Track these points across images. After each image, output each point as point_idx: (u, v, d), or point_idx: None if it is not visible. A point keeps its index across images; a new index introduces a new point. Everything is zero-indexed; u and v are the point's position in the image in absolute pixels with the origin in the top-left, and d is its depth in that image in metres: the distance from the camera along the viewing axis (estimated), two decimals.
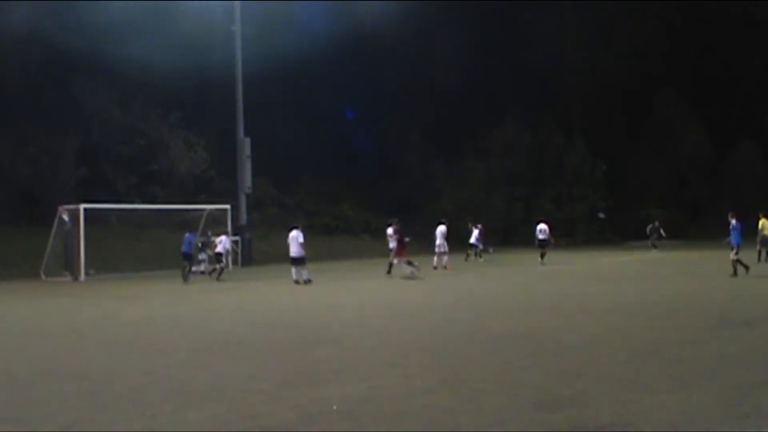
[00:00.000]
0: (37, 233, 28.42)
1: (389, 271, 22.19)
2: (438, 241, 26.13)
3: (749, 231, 27.25)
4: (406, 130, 48.99)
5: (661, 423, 5.65)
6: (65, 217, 26.64)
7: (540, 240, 28.07)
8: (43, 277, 25.84)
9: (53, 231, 26.80)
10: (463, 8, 49.45)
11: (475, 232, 31.02)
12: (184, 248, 23.42)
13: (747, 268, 19.46)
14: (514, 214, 48.49)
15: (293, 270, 20.89)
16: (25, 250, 27.75)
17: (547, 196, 49.90)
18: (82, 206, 25.91)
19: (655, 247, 35.80)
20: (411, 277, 21.04)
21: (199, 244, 26.07)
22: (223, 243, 25.16)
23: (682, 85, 53.64)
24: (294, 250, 20.77)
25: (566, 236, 45.52)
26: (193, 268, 25.55)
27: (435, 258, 25.98)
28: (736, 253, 19.70)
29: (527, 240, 45.23)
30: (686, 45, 54.67)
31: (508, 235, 46.65)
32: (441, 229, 26.46)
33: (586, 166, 51.26)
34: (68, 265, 26.36)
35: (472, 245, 31.01)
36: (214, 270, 24.57)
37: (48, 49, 33.69)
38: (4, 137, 33.58)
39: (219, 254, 24.81)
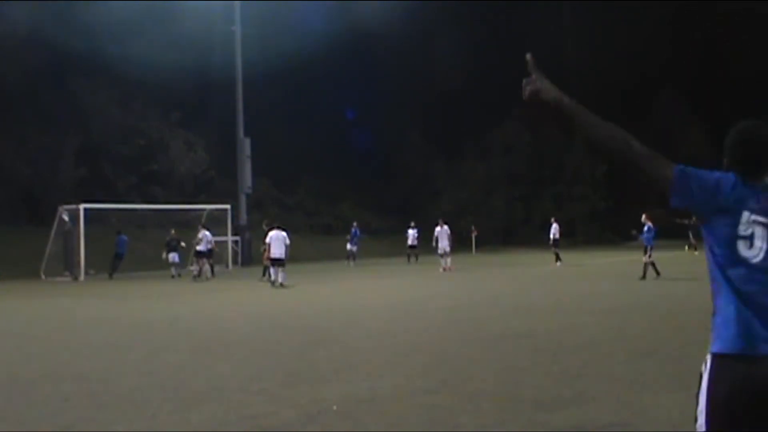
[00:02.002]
0: (37, 233, 28.43)
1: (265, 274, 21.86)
2: (442, 242, 26.08)
3: None
4: (406, 130, 49.03)
5: (661, 423, 5.65)
6: (65, 217, 26.65)
7: (555, 240, 27.75)
8: (43, 277, 25.84)
9: (53, 231, 26.82)
10: (463, 8, 49.46)
11: (413, 233, 31.26)
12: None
13: (658, 273, 19.28)
14: (514, 214, 48.50)
15: (272, 271, 20.09)
16: (25, 250, 27.75)
17: (547, 196, 49.91)
18: (82, 206, 25.93)
19: (694, 248, 31.68)
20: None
21: (196, 242, 25.99)
22: (206, 238, 24.73)
23: (682, 85, 53.64)
24: (280, 251, 19.83)
25: (566, 236, 45.57)
26: (174, 271, 25.70)
27: (440, 259, 25.90)
28: (650, 256, 19.64)
29: (527, 240, 45.34)
30: (686, 45, 54.64)
31: (508, 235, 46.71)
32: (445, 229, 26.39)
33: (586, 166, 51.28)
34: (68, 265, 26.38)
35: (412, 247, 31.27)
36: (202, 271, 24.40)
37: (48, 49, 33.71)
38: (4, 137, 33.61)
39: (200, 253, 24.50)
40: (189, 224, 29.74)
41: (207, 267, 24.55)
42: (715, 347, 2.75)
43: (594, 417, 5.80)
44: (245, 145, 34.33)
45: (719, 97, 52.97)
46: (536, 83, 2.90)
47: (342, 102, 46.66)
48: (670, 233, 34.14)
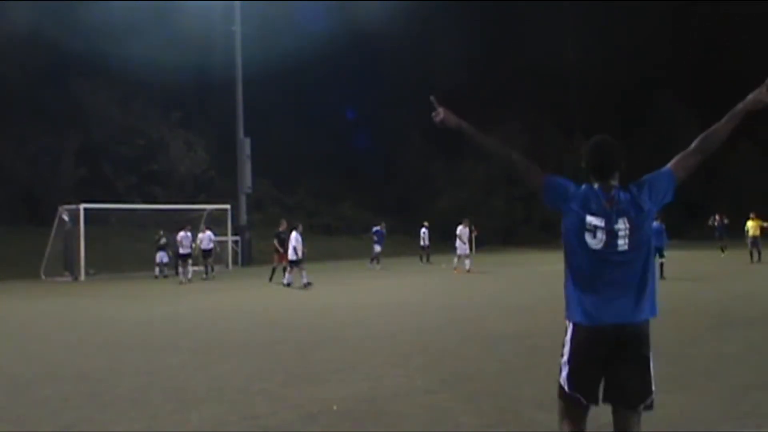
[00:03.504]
0: (37, 233, 28.43)
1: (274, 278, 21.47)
2: (458, 243, 25.80)
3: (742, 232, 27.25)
4: (406, 130, 49.00)
5: (661, 423, 5.64)
6: (65, 217, 26.66)
7: None
8: (43, 277, 25.85)
9: (53, 231, 26.83)
10: (463, 8, 49.43)
11: (426, 233, 30.75)
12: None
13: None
14: (514, 214, 48.47)
15: (286, 272, 20.17)
16: (25, 250, 27.76)
17: None
18: (82, 206, 25.94)
19: (723, 249, 30.00)
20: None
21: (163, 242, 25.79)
22: (187, 240, 23.97)
23: (682, 85, 53.65)
24: (290, 252, 19.98)
25: None
26: (157, 272, 25.64)
27: (466, 260, 25.50)
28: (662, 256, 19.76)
29: (527, 240, 45.32)
30: (686, 45, 54.67)
31: (508, 235, 46.66)
32: (467, 230, 26.05)
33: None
34: (68, 265, 26.38)
35: (423, 248, 30.73)
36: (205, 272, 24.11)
37: (48, 49, 33.69)
38: (4, 137, 33.59)
39: (185, 255, 23.77)
40: (189, 224, 29.73)
41: (189, 268, 23.86)
42: (571, 318, 3.60)
43: (594, 417, 5.78)
44: (245, 145, 34.32)
45: (719, 97, 52.87)
46: (441, 115, 3.94)
47: (342, 102, 46.59)
48: (702, 235, 33.84)
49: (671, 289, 16.84)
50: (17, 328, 13.06)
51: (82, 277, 25.63)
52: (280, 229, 21.80)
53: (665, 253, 19.79)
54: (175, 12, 34.52)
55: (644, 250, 3.51)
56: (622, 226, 3.46)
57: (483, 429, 5.62)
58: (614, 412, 3.60)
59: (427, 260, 30.63)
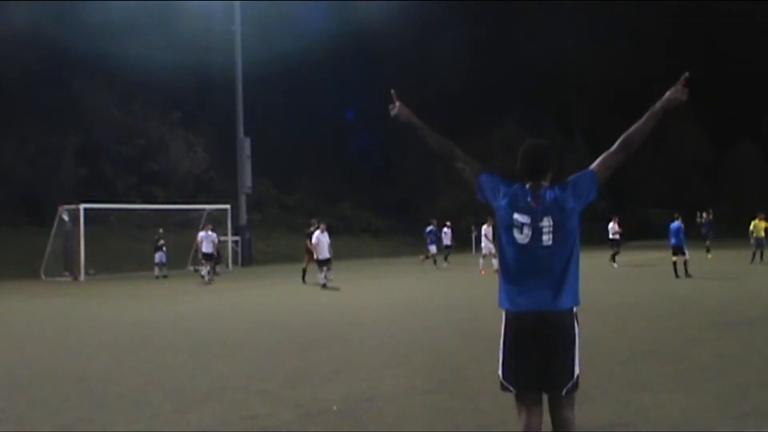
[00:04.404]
0: (37, 233, 28.45)
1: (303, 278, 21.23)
2: (486, 243, 25.66)
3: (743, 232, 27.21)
4: (406, 131, 48.89)
5: (661, 423, 5.65)
6: (65, 217, 26.67)
7: (611, 239, 27.16)
8: (43, 277, 25.85)
9: (53, 231, 26.84)
10: (463, 8, 49.46)
11: (448, 232, 30.20)
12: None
13: (678, 275, 19.30)
14: None
15: (320, 273, 19.68)
16: (25, 250, 27.77)
17: None
18: (82, 206, 25.96)
19: (708, 250, 29.34)
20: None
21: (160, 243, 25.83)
22: (207, 240, 23.35)
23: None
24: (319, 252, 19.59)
25: None
26: (157, 273, 25.59)
27: (493, 260, 25.31)
28: (685, 254, 19.80)
29: None
30: (686, 45, 54.69)
31: None
32: (488, 229, 25.90)
33: (586, 167, 51.22)
34: (68, 265, 26.39)
35: (447, 247, 30.18)
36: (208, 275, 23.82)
37: (48, 49, 33.72)
38: (4, 137, 33.61)
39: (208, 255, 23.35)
40: (189, 224, 29.72)
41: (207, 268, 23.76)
42: (501, 304, 3.82)
43: (594, 417, 5.79)
44: (245, 145, 34.33)
45: (719, 97, 53.02)
46: (397, 109, 4.39)
47: (342, 102, 46.63)
48: (701, 235, 33.63)
49: (671, 289, 16.84)
50: (17, 328, 13.05)
51: (82, 277, 25.64)
52: (311, 228, 21.53)
53: (686, 251, 19.71)
54: (175, 12, 34.54)
55: (569, 245, 3.76)
56: (546, 223, 3.75)
57: (483, 429, 5.62)
58: (548, 399, 3.81)
59: (445, 260, 30.26)
